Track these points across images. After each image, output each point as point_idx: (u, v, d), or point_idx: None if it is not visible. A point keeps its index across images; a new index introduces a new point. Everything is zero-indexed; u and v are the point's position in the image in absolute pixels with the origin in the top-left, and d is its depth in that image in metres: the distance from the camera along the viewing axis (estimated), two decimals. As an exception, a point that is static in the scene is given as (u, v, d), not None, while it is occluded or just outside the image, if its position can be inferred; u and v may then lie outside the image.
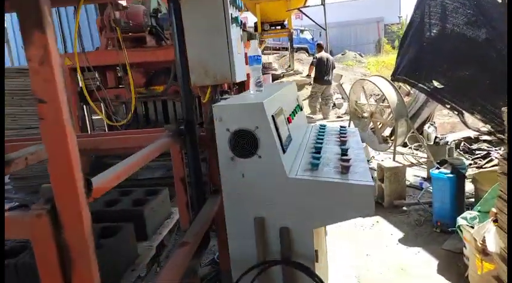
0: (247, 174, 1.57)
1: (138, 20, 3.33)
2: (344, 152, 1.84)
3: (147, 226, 2.73)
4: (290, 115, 1.96)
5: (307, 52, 16.50)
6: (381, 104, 4.65)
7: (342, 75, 8.97)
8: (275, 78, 11.22)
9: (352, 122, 5.15)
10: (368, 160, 5.28)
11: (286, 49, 14.10)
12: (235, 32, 1.95)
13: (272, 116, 1.56)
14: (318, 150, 1.88)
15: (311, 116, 9.04)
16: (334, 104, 9.83)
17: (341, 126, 2.45)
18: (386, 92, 4.33)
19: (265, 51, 14.43)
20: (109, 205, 2.87)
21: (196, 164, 2.22)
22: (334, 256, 2.87)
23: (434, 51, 4.19)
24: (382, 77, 4.71)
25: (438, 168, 3.28)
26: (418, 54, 4.23)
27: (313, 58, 8.99)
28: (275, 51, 15.88)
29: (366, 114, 4.89)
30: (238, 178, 1.57)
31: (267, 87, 2.14)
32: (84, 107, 3.79)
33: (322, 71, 8.49)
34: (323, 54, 8.68)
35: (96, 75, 4.29)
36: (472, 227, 2.57)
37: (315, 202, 1.53)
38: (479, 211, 2.71)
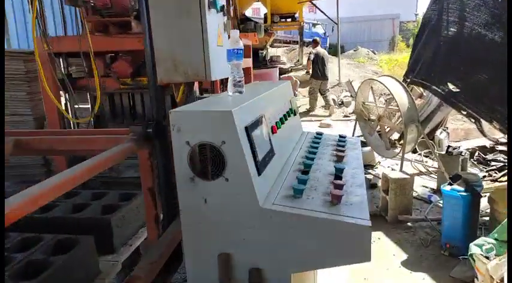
0: (211, 200, 1.24)
1: (124, 2, 2.99)
2: (338, 173, 1.49)
3: (114, 237, 2.42)
4: (276, 123, 1.62)
5: (319, 46, 15.97)
6: (390, 106, 4.28)
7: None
8: (283, 72, 10.84)
9: (358, 124, 4.79)
10: (373, 166, 4.92)
11: (297, 43, 13.64)
12: (214, 18, 1.60)
13: (246, 127, 1.23)
14: (306, 169, 1.55)
15: (313, 113, 9.19)
16: (342, 102, 9.43)
17: (340, 136, 2.10)
18: (396, 94, 3.95)
19: (274, 44, 14.02)
20: (77, 210, 2.56)
21: (167, 173, 1.90)
22: (326, 279, 2.54)
23: (451, 52, 3.79)
24: (392, 77, 4.32)
25: (451, 184, 2.92)
26: (433, 54, 3.84)
27: (309, 53, 9.27)
28: (285, 45, 15.41)
29: (373, 117, 4.52)
30: (200, 203, 1.25)
31: (251, 87, 1.80)
32: (67, 96, 3.49)
33: (319, 66, 8.77)
34: (319, 50, 8.97)
35: (83, 63, 3.98)
36: (487, 258, 2.22)
37: (294, 241, 1.19)
38: (495, 239, 2.36)
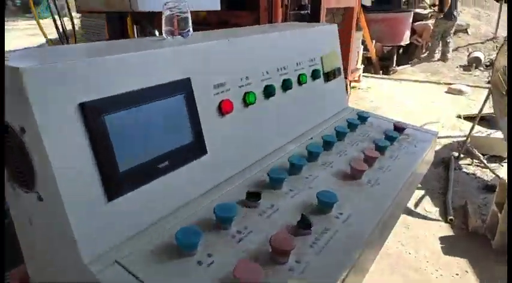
0: (35, 223, 0.71)
1: None
2: (311, 214, 0.76)
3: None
4: (246, 95, 0.92)
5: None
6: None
7: None
8: (419, 19, 8.72)
9: (492, 97, 3.42)
10: (503, 159, 3.56)
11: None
12: None
13: (82, 104, 0.60)
14: (269, 187, 0.85)
15: (434, 61, 7.62)
16: (491, 64, 7.29)
17: (395, 126, 1.24)
18: None
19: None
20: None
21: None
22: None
23: None
24: None
25: None
26: None
27: None
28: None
29: (517, 92, 3.11)
30: (25, 223, 0.73)
31: (249, 29, 1.10)
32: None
33: (447, 3, 6.99)
34: None
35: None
36: None
37: None
38: None
